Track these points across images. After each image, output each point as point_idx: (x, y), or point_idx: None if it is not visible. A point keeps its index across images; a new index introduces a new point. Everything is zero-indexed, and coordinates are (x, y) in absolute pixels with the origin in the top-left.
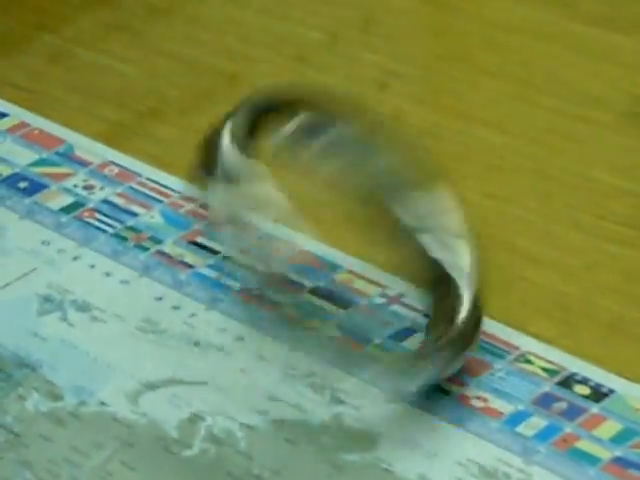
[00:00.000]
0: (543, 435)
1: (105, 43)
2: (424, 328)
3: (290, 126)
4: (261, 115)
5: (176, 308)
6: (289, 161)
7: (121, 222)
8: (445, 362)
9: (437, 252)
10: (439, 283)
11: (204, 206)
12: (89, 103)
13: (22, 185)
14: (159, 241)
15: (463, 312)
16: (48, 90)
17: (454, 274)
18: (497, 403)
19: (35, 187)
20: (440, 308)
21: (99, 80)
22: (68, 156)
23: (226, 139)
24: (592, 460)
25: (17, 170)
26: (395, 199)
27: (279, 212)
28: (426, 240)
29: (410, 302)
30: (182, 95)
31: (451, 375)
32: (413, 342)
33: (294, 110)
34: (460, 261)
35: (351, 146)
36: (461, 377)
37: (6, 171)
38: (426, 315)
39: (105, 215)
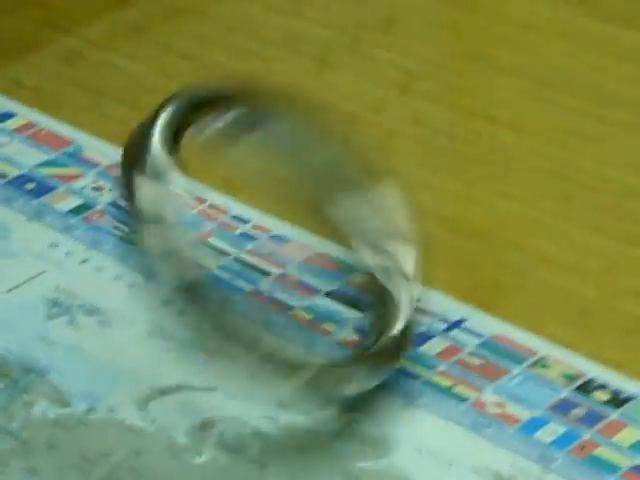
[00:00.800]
0: (561, 442)
1: (116, 42)
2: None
3: (222, 121)
4: (192, 110)
5: (184, 313)
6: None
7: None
8: (363, 376)
9: (371, 259)
10: (376, 292)
11: (127, 204)
12: (99, 103)
13: (29, 186)
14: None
15: (395, 327)
16: (57, 90)
17: (389, 284)
18: (514, 409)
19: (43, 188)
20: (377, 317)
21: (109, 79)
22: (77, 157)
23: (155, 135)
24: (611, 468)
25: (24, 171)
26: (330, 198)
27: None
28: (361, 245)
29: (426, 307)
30: None
31: (466, 380)
32: (430, 347)
33: (227, 105)
34: (398, 266)
35: (286, 141)
36: (478, 382)
37: (13, 172)
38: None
39: (114, 217)
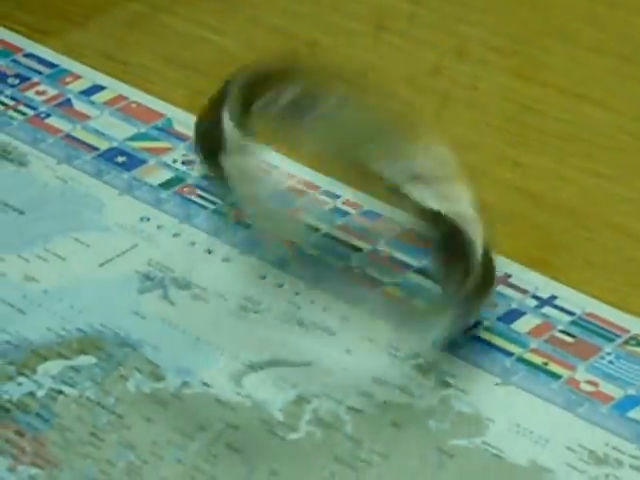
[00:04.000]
0: None
1: (201, 14)
2: (438, 280)
3: (282, 99)
4: (256, 86)
5: (279, 286)
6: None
7: (221, 198)
8: (465, 313)
9: (436, 202)
10: (446, 234)
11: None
12: (188, 77)
13: (120, 159)
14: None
15: (477, 261)
16: (144, 62)
17: (460, 222)
18: (607, 387)
19: (134, 162)
20: (452, 259)
21: (195, 52)
22: (167, 130)
23: (226, 116)
24: None
25: (115, 144)
26: (383, 155)
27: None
28: (422, 192)
29: (517, 282)
30: None
31: (558, 358)
32: (521, 324)
33: (284, 83)
34: (461, 208)
35: (341, 115)
36: (570, 360)
37: (104, 145)
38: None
39: (205, 191)
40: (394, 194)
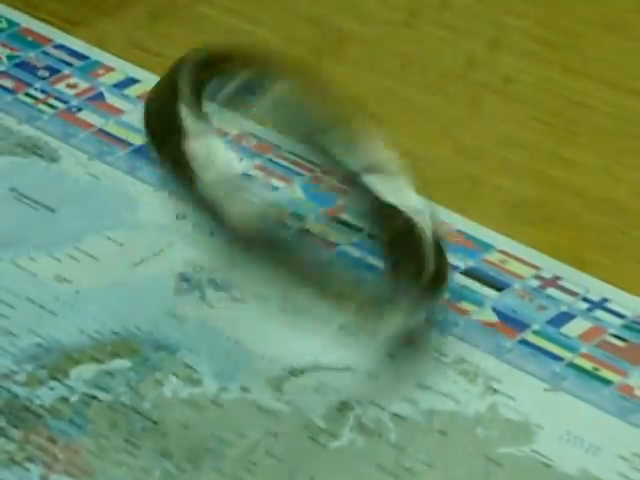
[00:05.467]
0: None
1: (236, 3)
2: (381, 273)
3: (232, 85)
4: (204, 73)
5: None
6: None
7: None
8: (416, 308)
9: (391, 196)
10: (399, 229)
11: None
12: None
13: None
14: (300, 217)
15: (430, 256)
16: (178, 54)
17: (413, 216)
18: None
19: None
20: (405, 255)
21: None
22: None
23: (181, 99)
24: None
25: None
26: (336, 147)
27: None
28: (378, 184)
29: (567, 285)
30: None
31: (610, 363)
32: (571, 328)
33: (235, 68)
34: (412, 202)
35: (288, 100)
36: (622, 366)
37: (138, 140)
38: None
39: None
40: (352, 183)
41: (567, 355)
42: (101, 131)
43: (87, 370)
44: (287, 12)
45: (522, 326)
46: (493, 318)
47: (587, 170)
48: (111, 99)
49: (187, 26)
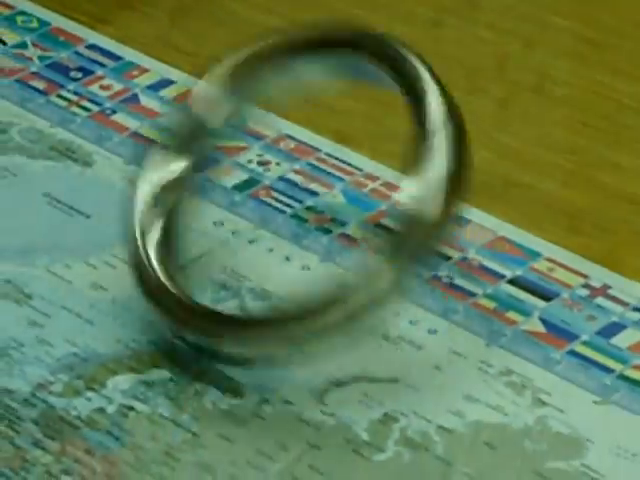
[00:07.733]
0: None
1: (271, 2)
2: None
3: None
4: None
5: None
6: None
7: (300, 202)
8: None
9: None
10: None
11: None
12: None
13: None
14: (342, 223)
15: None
16: (213, 54)
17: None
18: None
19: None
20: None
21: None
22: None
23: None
24: None
25: None
26: None
27: None
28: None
29: (617, 294)
30: None
31: None
32: (622, 339)
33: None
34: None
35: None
36: None
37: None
38: None
39: (282, 194)
40: None
41: (618, 367)
42: (136, 134)
43: (124, 380)
44: (321, 10)
45: (571, 337)
46: (541, 328)
47: (638, 176)
48: (146, 101)
49: (221, 25)
